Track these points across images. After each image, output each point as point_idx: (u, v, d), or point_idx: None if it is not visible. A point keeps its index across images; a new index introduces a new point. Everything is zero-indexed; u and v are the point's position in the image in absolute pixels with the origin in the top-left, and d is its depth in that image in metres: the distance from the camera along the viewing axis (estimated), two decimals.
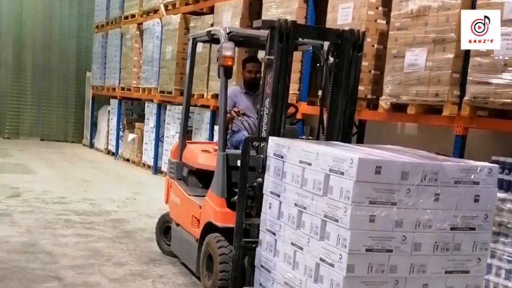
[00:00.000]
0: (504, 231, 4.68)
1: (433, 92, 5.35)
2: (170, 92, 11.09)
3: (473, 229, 3.43)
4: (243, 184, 4.19)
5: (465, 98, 5.02)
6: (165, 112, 11.82)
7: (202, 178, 5.42)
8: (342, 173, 3.24)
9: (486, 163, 3.51)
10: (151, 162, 12.12)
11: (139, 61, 13.07)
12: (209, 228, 4.83)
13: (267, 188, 4.05)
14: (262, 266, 4.06)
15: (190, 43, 5.81)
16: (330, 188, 3.34)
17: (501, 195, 4.64)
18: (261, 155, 4.24)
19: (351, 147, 3.88)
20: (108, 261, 5.63)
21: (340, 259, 3.21)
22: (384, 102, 5.90)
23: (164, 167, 10.54)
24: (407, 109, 5.67)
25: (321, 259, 3.38)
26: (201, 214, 5.02)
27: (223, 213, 4.69)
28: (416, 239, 3.29)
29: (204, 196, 5.03)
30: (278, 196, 3.89)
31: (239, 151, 4.51)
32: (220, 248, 4.60)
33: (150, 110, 12.48)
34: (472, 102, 4.98)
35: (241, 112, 5.34)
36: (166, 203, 6.05)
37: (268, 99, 4.30)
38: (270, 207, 4.00)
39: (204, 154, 5.36)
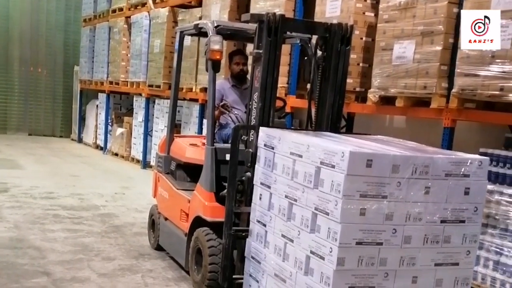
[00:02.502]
0: (492, 222, 4.71)
1: (421, 84, 5.36)
2: (159, 86, 11.05)
3: (463, 221, 3.44)
4: (233, 173, 4.18)
5: (453, 90, 5.04)
6: (153, 106, 11.79)
7: (190, 172, 5.40)
8: (333, 166, 3.24)
9: (477, 156, 3.52)
10: (140, 156, 12.08)
11: (127, 55, 12.99)
12: (198, 222, 4.82)
13: (257, 179, 4.05)
14: (252, 257, 4.06)
15: (177, 36, 5.78)
16: (321, 181, 3.34)
17: (489, 187, 4.64)
18: (250, 149, 4.24)
19: (341, 139, 3.87)
20: (97, 256, 5.61)
21: (331, 252, 3.22)
22: (373, 95, 5.90)
23: (153, 162, 10.51)
24: (395, 102, 5.67)
25: (312, 252, 3.39)
26: (190, 208, 5.00)
27: (212, 207, 4.67)
28: (406, 232, 3.29)
29: (193, 190, 5.02)
30: (269, 187, 3.89)
31: (227, 145, 4.50)
32: (209, 241, 4.60)
33: (139, 104, 12.42)
34: (460, 94, 4.99)
35: (229, 106, 5.33)
36: (154, 197, 6.04)
37: (256, 93, 4.29)
38: (260, 198, 3.99)
39: (192, 148, 5.35)
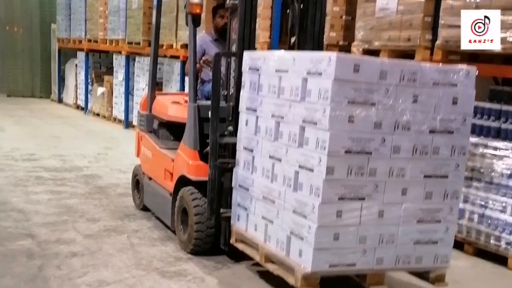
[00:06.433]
0: (477, 176, 4.73)
1: (405, 36, 5.30)
2: (138, 43, 10.87)
3: (452, 132, 3.40)
4: (215, 104, 4.14)
5: (437, 42, 5.00)
6: (134, 64, 11.60)
7: (173, 130, 5.33)
8: (320, 74, 3.19)
9: (464, 66, 3.47)
10: (121, 116, 11.95)
11: (105, 12, 12.71)
12: (183, 181, 4.78)
13: (243, 105, 3.99)
14: (239, 186, 4.02)
15: None
16: (308, 91, 3.28)
17: (473, 139, 4.67)
18: (231, 103, 4.23)
19: None
20: (81, 217, 5.56)
21: (320, 162, 3.17)
22: (356, 48, 5.84)
23: (136, 121, 10.41)
24: (379, 55, 5.62)
25: (300, 166, 3.34)
26: (174, 167, 4.95)
27: (196, 165, 4.62)
28: (395, 141, 3.27)
29: (176, 149, 4.96)
30: (255, 111, 3.83)
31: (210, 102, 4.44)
32: (195, 200, 4.56)
33: (119, 63, 12.22)
34: (444, 46, 4.95)
35: (210, 61, 5.23)
36: (137, 157, 5.98)
37: (234, 44, 4.27)
38: (246, 124, 3.93)
39: (174, 106, 5.26)
